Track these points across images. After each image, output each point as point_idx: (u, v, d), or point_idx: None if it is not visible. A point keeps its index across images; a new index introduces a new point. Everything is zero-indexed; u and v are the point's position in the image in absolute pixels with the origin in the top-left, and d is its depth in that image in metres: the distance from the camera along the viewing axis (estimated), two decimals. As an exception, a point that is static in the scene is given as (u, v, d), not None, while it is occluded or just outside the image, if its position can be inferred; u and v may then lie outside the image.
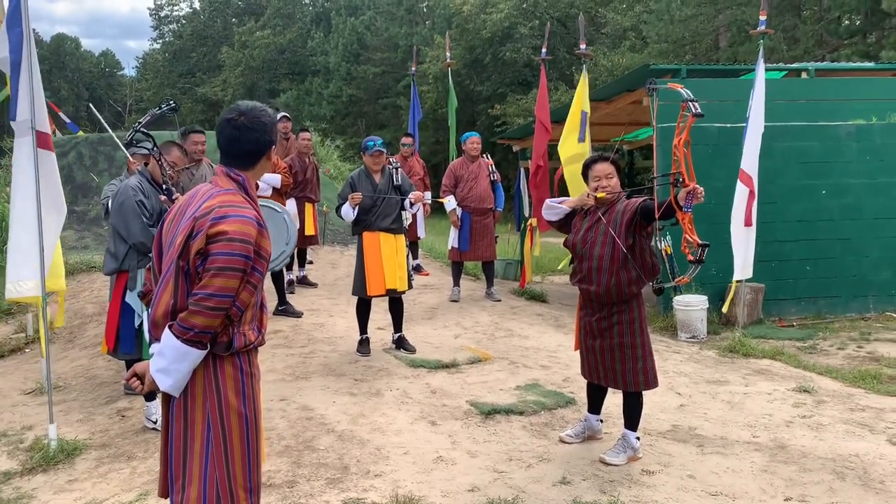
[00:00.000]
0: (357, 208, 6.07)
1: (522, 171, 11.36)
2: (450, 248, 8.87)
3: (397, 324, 6.42)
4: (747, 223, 6.97)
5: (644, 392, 4.23)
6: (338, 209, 6.26)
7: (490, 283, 8.87)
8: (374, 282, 6.06)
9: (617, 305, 4.17)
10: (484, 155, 8.85)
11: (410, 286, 6.34)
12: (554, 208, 4.44)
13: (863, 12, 19.01)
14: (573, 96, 8.65)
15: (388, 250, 6.09)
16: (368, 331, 6.36)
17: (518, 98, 26.08)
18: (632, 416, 4.20)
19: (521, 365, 6.11)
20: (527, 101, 24.32)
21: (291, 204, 8.37)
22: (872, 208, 8.31)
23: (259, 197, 7.50)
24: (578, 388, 5.47)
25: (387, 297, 6.29)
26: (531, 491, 3.75)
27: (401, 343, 6.38)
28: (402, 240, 6.24)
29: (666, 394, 5.38)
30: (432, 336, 6.93)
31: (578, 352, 4.45)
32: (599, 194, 4.20)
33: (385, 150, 6.24)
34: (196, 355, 2.38)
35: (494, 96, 28.38)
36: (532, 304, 8.92)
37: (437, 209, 13.63)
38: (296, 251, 8.84)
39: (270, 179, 7.39)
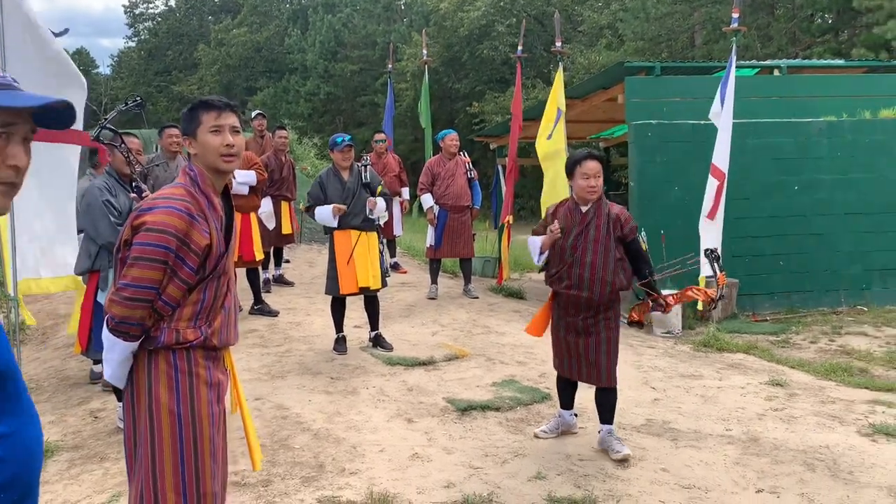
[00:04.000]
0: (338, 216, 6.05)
1: (500, 168, 11.39)
2: (427, 245, 8.88)
3: (373, 322, 6.40)
4: (710, 216, 7.02)
5: (620, 388, 4.27)
6: (309, 208, 6.22)
7: (468, 281, 8.88)
8: (347, 280, 6.03)
9: (604, 305, 4.20)
10: (461, 153, 8.87)
11: (385, 284, 6.33)
12: (534, 252, 4.40)
13: (834, 11, 19.26)
14: (550, 94, 8.70)
15: (360, 248, 6.07)
16: (345, 329, 6.35)
17: (496, 96, 26.11)
18: (612, 409, 4.24)
19: (498, 361, 6.12)
20: (504, 99, 24.35)
21: (267, 202, 8.33)
22: (843, 204, 8.43)
23: (235, 195, 7.47)
24: (553, 383, 5.49)
25: (363, 296, 6.29)
26: (506, 486, 3.77)
27: (377, 341, 6.36)
28: (374, 238, 6.21)
29: (641, 388, 5.42)
30: (409, 334, 6.92)
31: (552, 347, 4.46)
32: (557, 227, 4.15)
33: (353, 147, 6.22)
34: (123, 346, 2.36)
35: (472, 94, 28.39)
36: (509, 301, 8.95)
37: (415, 207, 13.64)
38: (272, 250, 8.80)
39: (245, 177, 7.34)
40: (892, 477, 3.89)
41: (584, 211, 4.18)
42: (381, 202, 6.15)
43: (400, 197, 10.08)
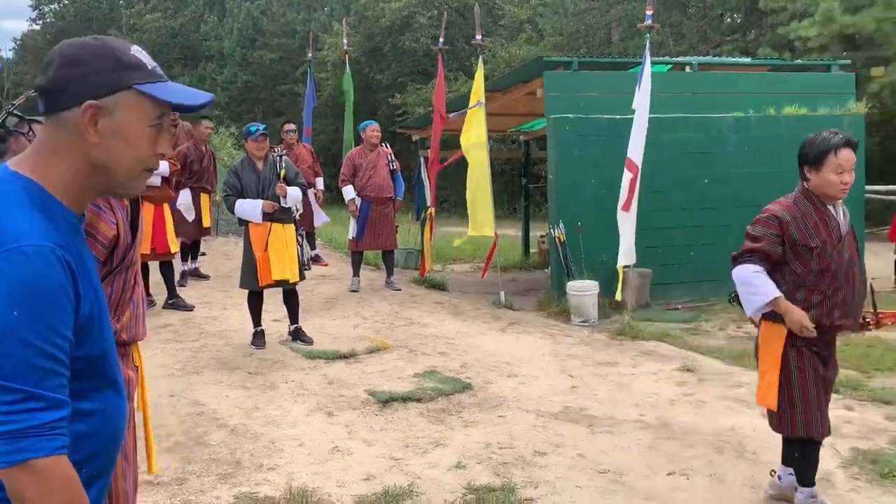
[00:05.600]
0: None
1: (422, 160, 11.38)
2: (349, 238, 8.80)
3: (293, 315, 6.30)
4: (625, 208, 7.22)
5: (538, 376, 4.29)
6: (227, 199, 6.05)
7: (390, 273, 8.85)
8: (263, 273, 5.90)
9: None
10: (383, 144, 8.82)
11: (303, 277, 6.24)
12: (754, 300, 3.27)
13: (742, 11, 20.08)
14: (472, 86, 8.74)
15: (275, 241, 5.94)
16: (263, 323, 6.23)
17: (418, 88, 26.07)
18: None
19: (420, 353, 6.14)
20: (427, 91, 24.34)
21: (186, 194, 8.08)
22: (751, 196, 8.75)
23: (148, 186, 7.15)
24: (475, 373, 5.56)
25: (281, 289, 6.18)
26: (427, 477, 3.78)
27: (297, 335, 6.27)
28: (291, 230, 6.11)
29: (558, 376, 5.54)
30: (330, 327, 6.86)
31: (803, 405, 3.28)
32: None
33: (268, 136, 6.11)
34: None
35: (395, 85, 28.27)
36: (432, 293, 8.98)
37: (337, 199, 13.48)
38: (190, 243, 8.56)
39: (159, 168, 7.09)
40: (793, 456, 4.09)
41: (834, 212, 3.25)
42: (293, 190, 6.02)
43: (315, 188, 9.93)
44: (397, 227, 9.26)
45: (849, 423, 4.56)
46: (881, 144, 16.81)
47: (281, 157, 6.16)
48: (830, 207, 3.23)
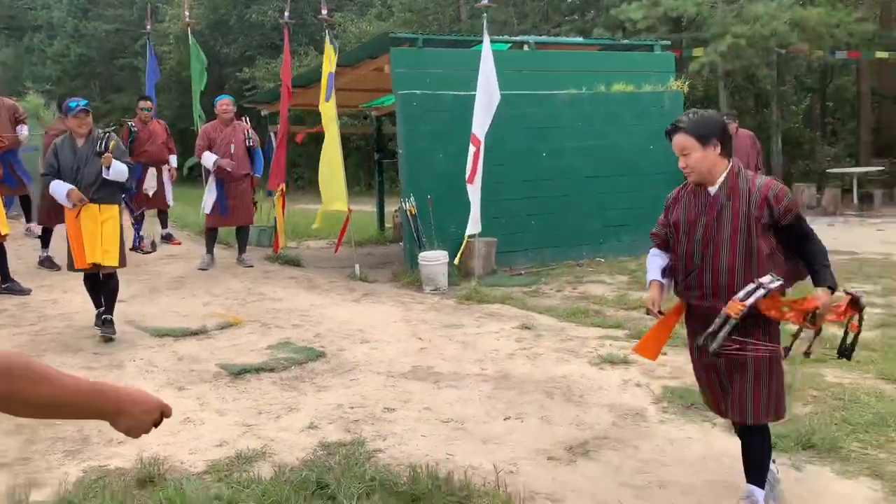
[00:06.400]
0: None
1: (272, 135, 11.28)
2: (206, 213, 8.63)
3: (106, 303, 5.79)
4: (470, 181, 7.63)
5: (390, 341, 4.49)
6: (44, 177, 5.73)
7: (242, 250, 8.80)
8: (78, 255, 5.63)
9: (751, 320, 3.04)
10: (243, 119, 8.71)
11: (123, 263, 5.85)
12: (649, 273, 3.30)
13: (581, -8, 21.15)
14: (321, 61, 8.78)
15: (88, 222, 5.60)
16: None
17: (267, 62, 25.46)
18: (758, 466, 3.11)
19: (273, 326, 6.23)
20: (276, 66, 23.82)
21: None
22: (584, 168, 9.45)
23: None
24: (328, 342, 5.74)
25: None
26: (280, 439, 3.94)
27: (103, 324, 5.72)
28: (109, 210, 5.71)
29: (409, 339, 5.82)
30: (179, 305, 6.79)
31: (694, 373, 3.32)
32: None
33: (90, 112, 5.77)
34: None
35: (242, 59, 27.43)
36: (286, 268, 9.02)
37: (185, 177, 13.08)
38: (41, 230, 8.17)
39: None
40: (613, 396, 4.60)
41: (712, 193, 3.04)
42: (118, 164, 5.65)
43: (168, 165, 9.68)
44: (256, 202, 9.19)
45: (662, 366, 5.14)
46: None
47: (107, 133, 5.82)
48: (711, 188, 3.03)
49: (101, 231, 5.61)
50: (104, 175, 5.64)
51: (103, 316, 5.76)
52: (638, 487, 3.41)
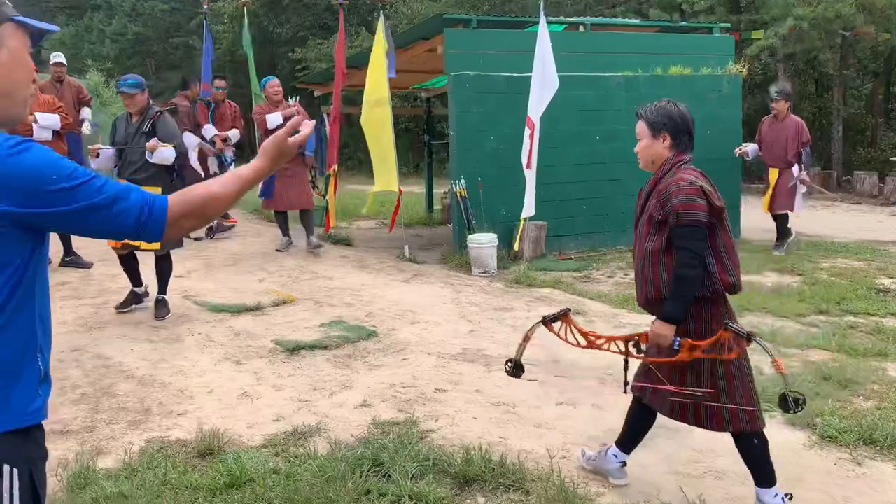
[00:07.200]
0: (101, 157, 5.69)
1: (325, 116, 11.37)
2: (258, 196, 8.77)
3: (160, 283, 5.89)
4: (528, 165, 7.57)
5: (440, 322, 4.53)
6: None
7: (310, 232, 8.59)
8: None
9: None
10: (291, 98, 8.76)
11: (173, 245, 5.87)
12: None
13: (637, -28, 20.69)
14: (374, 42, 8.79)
15: None
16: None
17: (319, 42, 25.58)
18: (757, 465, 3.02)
19: (326, 304, 6.31)
20: (328, 46, 23.95)
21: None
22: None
23: (41, 141, 6.99)
24: (380, 321, 5.80)
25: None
26: (334, 415, 4.01)
27: (157, 305, 5.84)
28: (151, 192, 5.80)
29: (458, 321, 5.84)
30: (235, 281, 6.92)
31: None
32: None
33: (138, 91, 5.67)
34: None
35: (295, 39, 27.61)
36: (337, 248, 9.12)
37: (246, 158, 13.24)
38: None
39: (47, 120, 6.87)
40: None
41: (649, 184, 3.08)
42: (164, 150, 5.59)
43: (229, 142, 9.65)
44: (314, 183, 9.21)
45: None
46: (762, 105, 17.90)
47: (161, 113, 5.78)
48: (659, 182, 2.99)
49: None
50: (146, 157, 5.64)
51: (157, 296, 5.87)
52: (694, 477, 3.38)
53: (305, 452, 3.45)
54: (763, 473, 2.99)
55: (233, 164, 9.44)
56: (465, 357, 5.01)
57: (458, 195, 8.54)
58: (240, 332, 5.47)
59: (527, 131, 7.62)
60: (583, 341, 3.16)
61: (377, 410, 4.07)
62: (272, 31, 28.18)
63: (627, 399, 4.35)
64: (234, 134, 9.53)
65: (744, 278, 7.14)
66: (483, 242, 7.90)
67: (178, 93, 9.78)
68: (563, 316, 3.19)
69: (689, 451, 3.65)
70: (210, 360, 4.84)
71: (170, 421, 3.89)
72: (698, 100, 9.45)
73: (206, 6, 12.94)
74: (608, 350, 3.13)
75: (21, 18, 1.53)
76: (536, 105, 7.63)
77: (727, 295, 2.98)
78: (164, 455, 3.42)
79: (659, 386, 2.98)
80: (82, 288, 6.46)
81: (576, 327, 3.14)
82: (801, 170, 8.55)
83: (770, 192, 8.73)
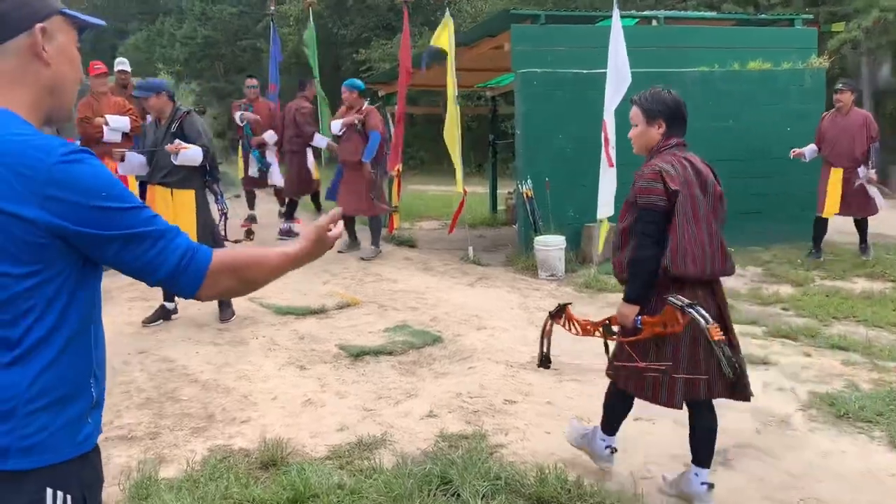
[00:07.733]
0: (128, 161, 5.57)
1: (389, 116, 11.28)
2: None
3: None
4: (610, 164, 7.22)
5: (507, 328, 4.34)
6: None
7: (371, 240, 8.42)
8: None
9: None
10: (368, 103, 8.71)
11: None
12: None
13: (708, -35, 20.00)
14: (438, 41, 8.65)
15: (161, 206, 5.34)
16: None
17: (383, 43, 25.66)
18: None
19: (390, 308, 6.18)
20: (391, 46, 23.99)
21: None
22: (713, 151, 8.85)
23: (109, 143, 7.04)
24: (445, 326, 5.63)
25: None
26: (399, 426, 3.85)
27: (221, 308, 5.78)
28: (182, 195, 5.45)
29: (527, 328, 5.63)
30: (299, 283, 6.85)
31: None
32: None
33: (152, 95, 5.42)
34: None
35: (359, 41, 27.77)
36: (401, 249, 9.01)
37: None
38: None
39: (118, 122, 6.94)
40: (754, 400, 4.23)
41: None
42: (189, 151, 5.33)
43: (266, 142, 9.63)
44: (377, 189, 8.97)
45: (807, 368, 4.73)
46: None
47: (189, 112, 5.55)
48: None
49: (172, 217, 5.23)
50: (172, 160, 5.37)
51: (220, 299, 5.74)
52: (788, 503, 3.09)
53: (371, 466, 3.30)
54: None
55: (270, 167, 9.55)
56: (535, 365, 4.78)
57: (525, 196, 8.31)
58: (304, 335, 5.38)
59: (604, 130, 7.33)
60: (580, 330, 3.36)
61: (444, 422, 3.90)
62: (336, 32, 28.42)
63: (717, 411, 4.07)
64: (269, 136, 9.55)
65: (829, 283, 6.70)
66: (551, 245, 7.65)
67: (298, 94, 9.87)
68: (564, 309, 3.39)
69: (784, 475, 3.36)
70: (274, 365, 4.75)
71: (233, 428, 3.80)
72: (779, 95, 9.00)
73: (272, 8, 13.04)
74: (596, 336, 3.28)
75: (69, 11, 1.43)
76: (611, 101, 7.33)
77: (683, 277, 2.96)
78: (227, 466, 3.32)
79: (628, 364, 3.08)
80: (150, 290, 6.49)
81: (573, 318, 3.33)
82: (868, 168, 7.81)
83: (836, 194, 7.84)
